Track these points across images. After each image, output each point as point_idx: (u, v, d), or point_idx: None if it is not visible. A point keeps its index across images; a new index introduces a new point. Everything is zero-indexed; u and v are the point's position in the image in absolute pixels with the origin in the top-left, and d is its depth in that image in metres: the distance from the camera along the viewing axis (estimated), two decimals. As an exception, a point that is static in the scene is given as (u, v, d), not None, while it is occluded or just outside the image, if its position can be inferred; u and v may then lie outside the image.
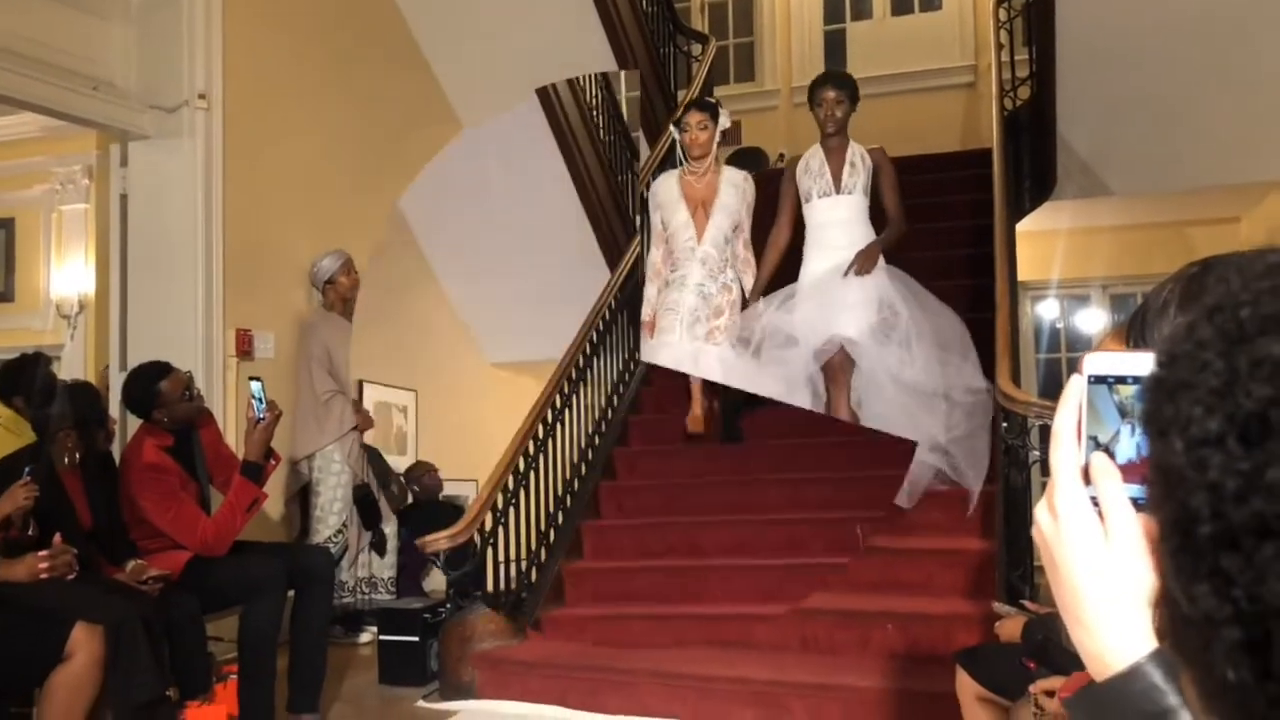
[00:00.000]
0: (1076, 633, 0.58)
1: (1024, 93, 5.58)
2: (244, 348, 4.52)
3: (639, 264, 5.14)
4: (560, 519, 4.47)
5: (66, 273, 6.72)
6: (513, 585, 4.10)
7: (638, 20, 5.96)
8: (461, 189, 5.83)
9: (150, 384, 3.36)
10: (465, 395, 6.47)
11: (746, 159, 6.60)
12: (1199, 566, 0.35)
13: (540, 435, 4.36)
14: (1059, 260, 6.43)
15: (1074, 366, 0.63)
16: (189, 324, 4.36)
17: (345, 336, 4.68)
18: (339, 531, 4.48)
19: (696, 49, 6.53)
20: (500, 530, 4.02)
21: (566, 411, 4.63)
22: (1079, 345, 6.91)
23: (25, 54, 3.99)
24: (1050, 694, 1.94)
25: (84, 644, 2.63)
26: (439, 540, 3.77)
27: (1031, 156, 5.46)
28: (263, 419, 3.26)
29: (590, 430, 4.87)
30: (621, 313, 5.28)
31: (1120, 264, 6.48)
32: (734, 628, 3.76)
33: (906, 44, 7.35)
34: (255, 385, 3.37)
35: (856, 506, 4.11)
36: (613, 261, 5.74)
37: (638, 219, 5.94)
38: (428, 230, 6.12)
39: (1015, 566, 3.33)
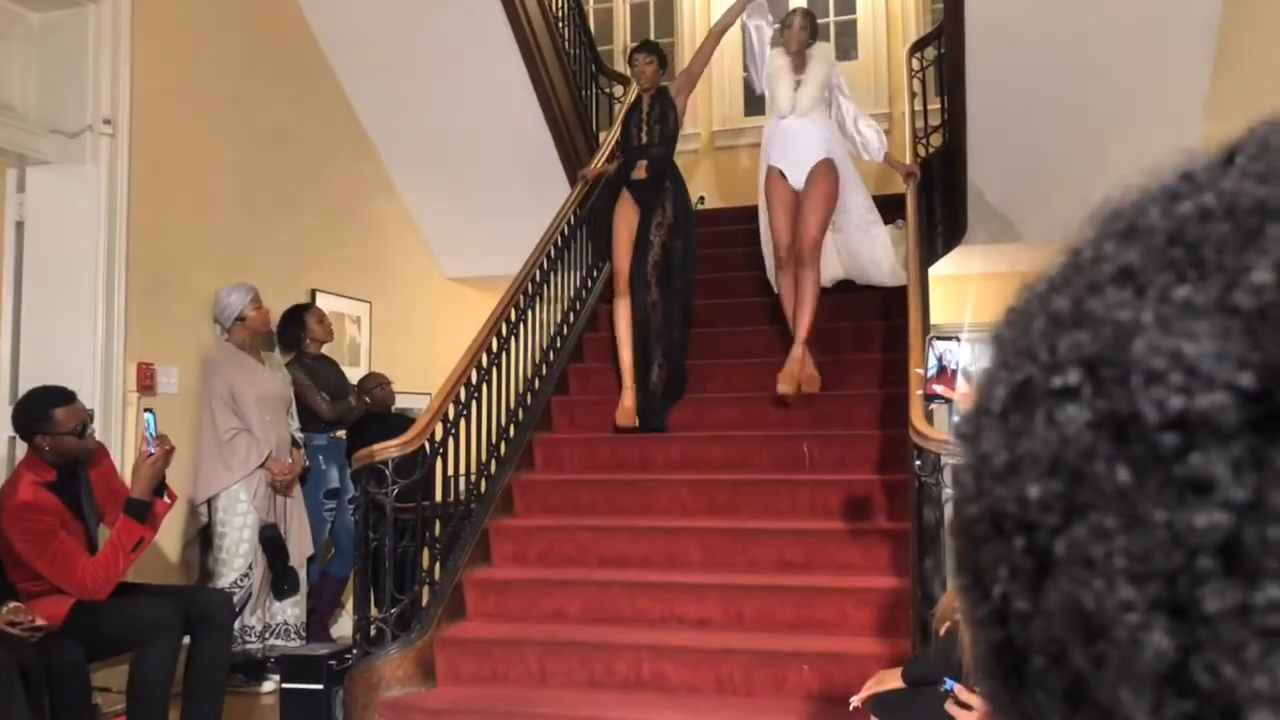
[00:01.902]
0: None
1: (936, 140, 5.74)
2: (145, 382, 4.35)
3: (599, 179, 5.37)
4: (512, 432, 4.61)
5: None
6: (462, 496, 4.22)
7: (560, 60, 5.98)
8: (422, 95, 5.75)
9: (45, 405, 3.21)
10: (420, 308, 6.42)
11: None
12: (959, 555, 0.30)
13: (494, 348, 4.46)
14: (971, 304, 6.58)
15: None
16: (87, 357, 4.18)
17: (252, 374, 4.52)
18: (244, 575, 4.31)
19: (618, 90, 6.58)
20: (451, 441, 4.08)
21: (521, 325, 4.76)
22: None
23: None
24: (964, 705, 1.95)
25: (-47, 695, 2.46)
26: (389, 448, 3.75)
27: (944, 202, 5.61)
28: (153, 453, 3.12)
29: (545, 345, 5.04)
30: (581, 228, 5.43)
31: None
32: (662, 604, 3.84)
33: (824, 91, 7.49)
34: (148, 417, 3.24)
35: (805, 426, 4.45)
36: (573, 176, 5.70)
37: (600, 134, 6.14)
38: (386, 136, 5.99)
39: (928, 604, 3.33)
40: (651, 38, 8.07)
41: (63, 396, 3.27)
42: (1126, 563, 0.25)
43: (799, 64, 4.78)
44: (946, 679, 2.26)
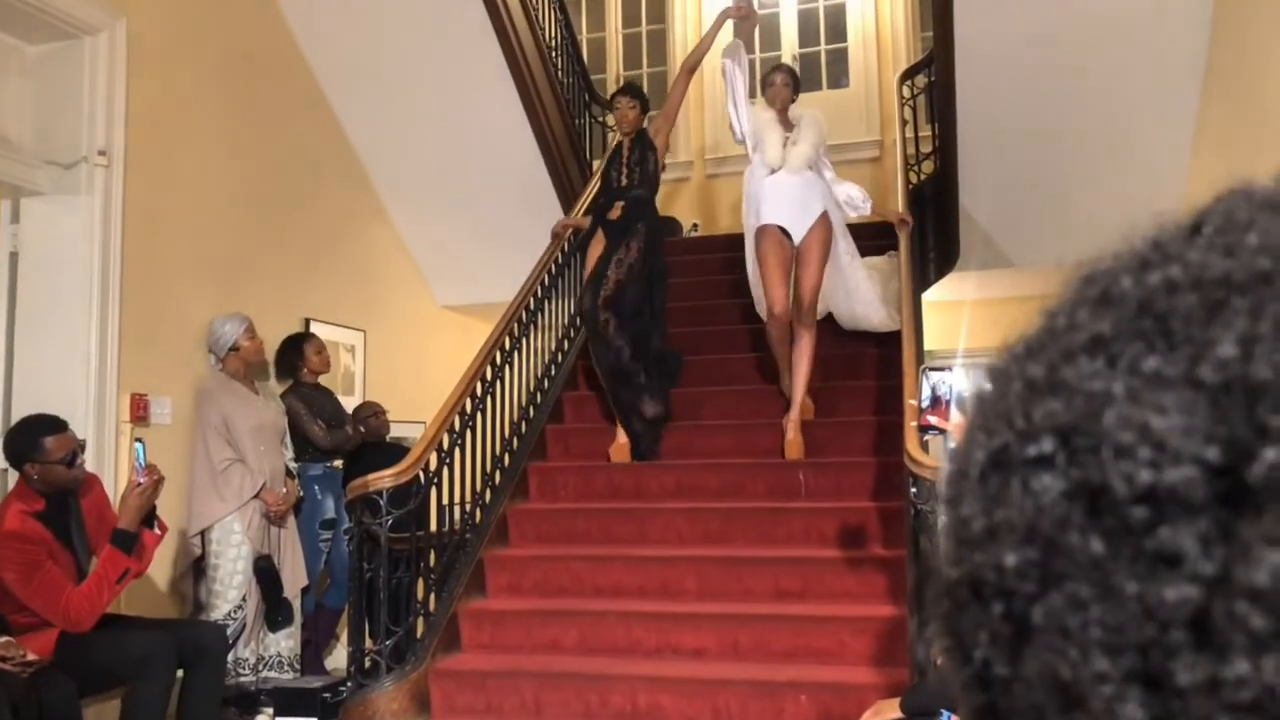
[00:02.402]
0: None
1: (928, 167, 5.78)
2: (139, 413, 4.33)
3: (593, 209, 5.22)
4: (507, 460, 4.60)
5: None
6: (457, 526, 4.21)
7: (553, 89, 6.02)
8: (416, 123, 5.76)
9: (35, 434, 3.21)
10: (415, 337, 6.40)
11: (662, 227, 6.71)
12: (943, 618, 0.31)
13: (488, 376, 4.46)
14: (964, 330, 6.60)
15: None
16: (80, 387, 4.16)
17: (246, 404, 4.51)
18: (238, 607, 4.27)
19: (612, 119, 6.61)
20: (445, 470, 4.07)
21: (516, 353, 4.75)
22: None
23: (-89, 106, 3.83)
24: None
25: (-57, 733, 2.44)
26: (383, 478, 3.73)
27: (936, 228, 5.63)
28: (141, 483, 3.11)
29: (540, 373, 5.04)
30: (575, 256, 5.38)
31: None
32: (655, 634, 3.79)
33: (816, 119, 7.55)
34: (138, 447, 3.24)
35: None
36: (567, 204, 5.70)
37: (594, 163, 6.14)
38: (380, 165, 6.01)
39: (926, 634, 3.32)
40: (644, 67, 8.16)
41: (54, 425, 3.27)
42: (1101, 634, 0.25)
43: (784, 121, 4.68)
44: (944, 710, 2.25)
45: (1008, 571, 0.27)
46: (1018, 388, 0.29)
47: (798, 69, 7.69)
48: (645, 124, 4.96)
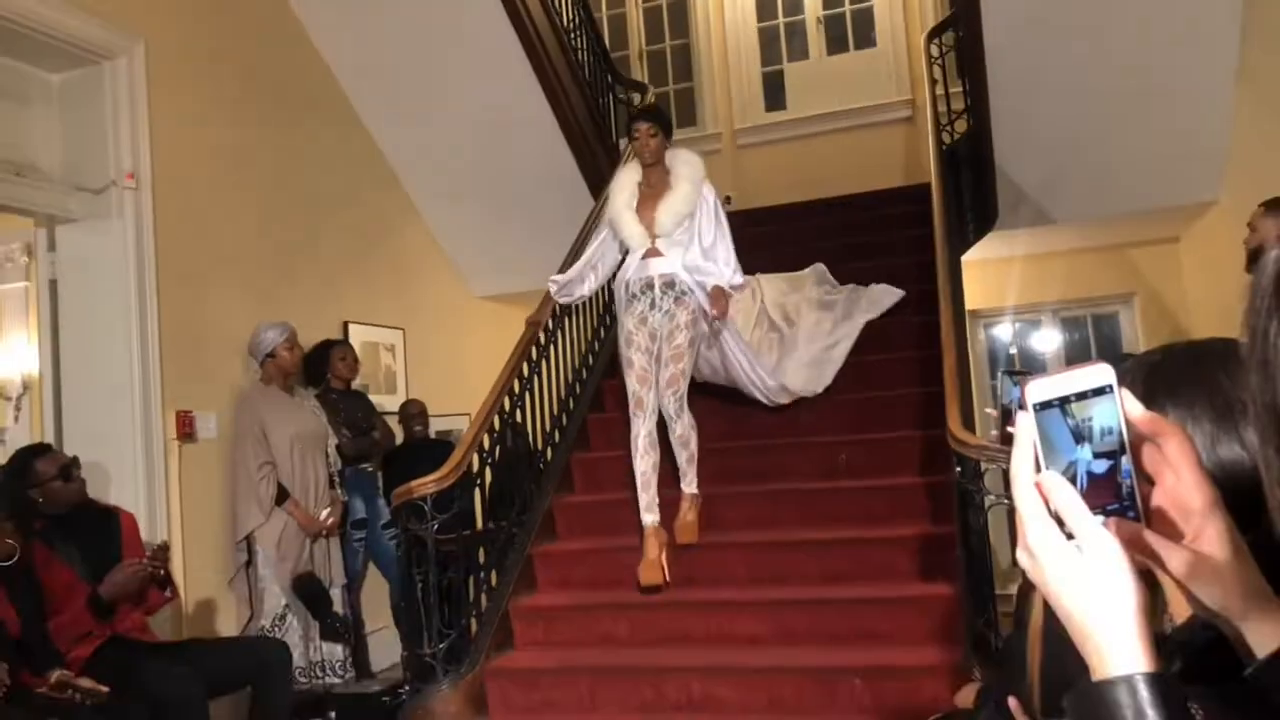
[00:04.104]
0: (1086, 651, 0.62)
1: (961, 125, 5.63)
2: (185, 430, 4.39)
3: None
4: (549, 454, 4.62)
5: (8, 353, 6.54)
6: (504, 522, 4.22)
7: (573, 71, 5.96)
8: (439, 119, 5.76)
9: (25, 461, 3.37)
10: (453, 330, 6.43)
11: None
12: None
13: (525, 373, 4.45)
14: (1011, 287, 6.46)
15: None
16: (126, 408, 4.23)
17: (284, 412, 4.53)
18: (281, 617, 4.30)
19: (636, 97, 6.54)
20: (488, 471, 4.08)
21: (552, 346, 4.73)
22: (1033, 366, 6.90)
23: (-59, 144, 3.89)
24: None
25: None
26: (426, 485, 3.77)
27: (972, 189, 5.50)
28: (139, 563, 3.23)
29: (578, 364, 5.04)
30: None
31: (1069, 288, 6.53)
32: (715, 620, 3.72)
33: (844, 82, 7.39)
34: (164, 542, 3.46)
35: (842, 430, 4.42)
36: (595, 187, 5.64)
37: (621, 142, 5.93)
38: (408, 163, 6.03)
39: (980, 613, 3.27)
40: (666, 40, 8.04)
41: (39, 450, 3.45)
42: None
43: (655, 177, 4.11)
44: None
45: None
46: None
47: (822, 30, 7.57)
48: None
